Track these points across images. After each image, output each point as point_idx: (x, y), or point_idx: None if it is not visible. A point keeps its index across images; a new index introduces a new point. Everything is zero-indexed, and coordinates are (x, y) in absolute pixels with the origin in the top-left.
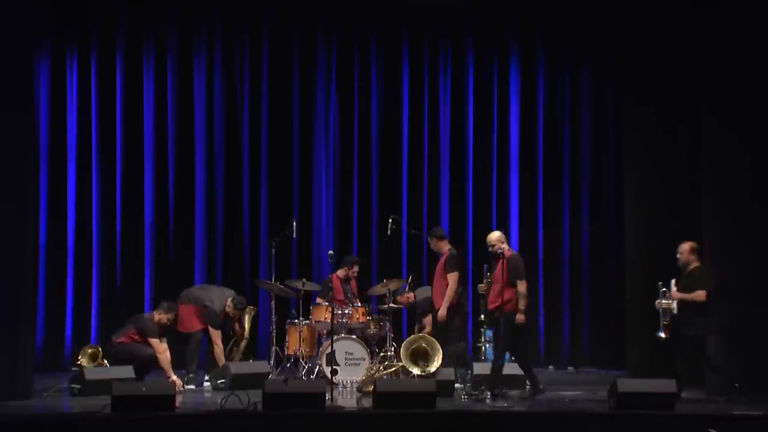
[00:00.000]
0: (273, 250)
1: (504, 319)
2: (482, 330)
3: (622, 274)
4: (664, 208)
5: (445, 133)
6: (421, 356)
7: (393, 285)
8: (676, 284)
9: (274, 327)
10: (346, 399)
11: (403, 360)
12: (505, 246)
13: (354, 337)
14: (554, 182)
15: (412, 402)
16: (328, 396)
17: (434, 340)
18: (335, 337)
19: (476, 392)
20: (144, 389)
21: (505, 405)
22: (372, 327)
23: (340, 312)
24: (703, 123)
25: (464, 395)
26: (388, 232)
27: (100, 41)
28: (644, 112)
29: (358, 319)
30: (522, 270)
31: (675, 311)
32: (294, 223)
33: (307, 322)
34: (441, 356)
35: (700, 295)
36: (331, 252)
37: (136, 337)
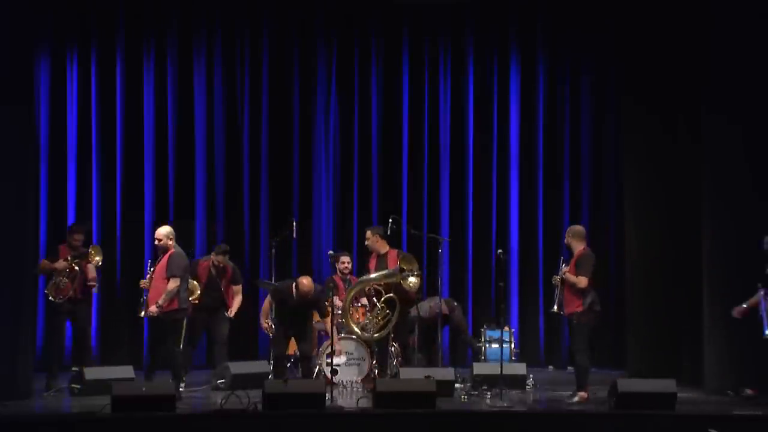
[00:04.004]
0: (273, 250)
1: None
2: (482, 330)
3: (622, 274)
4: (664, 208)
5: (445, 133)
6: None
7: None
8: None
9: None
10: (345, 399)
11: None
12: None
13: (354, 336)
14: (554, 182)
15: (412, 402)
16: (328, 396)
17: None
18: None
19: (476, 392)
20: (144, 389)
21: (505, 405)
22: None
23: (340, 312)
24: (703, 122)
25: (464, 395)
26: (388, 232)
27: (100, 41)
28: (644, 111)
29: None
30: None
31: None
32: (294, 223)
33: None
34: (417, 264)
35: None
36: (331, 252)
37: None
